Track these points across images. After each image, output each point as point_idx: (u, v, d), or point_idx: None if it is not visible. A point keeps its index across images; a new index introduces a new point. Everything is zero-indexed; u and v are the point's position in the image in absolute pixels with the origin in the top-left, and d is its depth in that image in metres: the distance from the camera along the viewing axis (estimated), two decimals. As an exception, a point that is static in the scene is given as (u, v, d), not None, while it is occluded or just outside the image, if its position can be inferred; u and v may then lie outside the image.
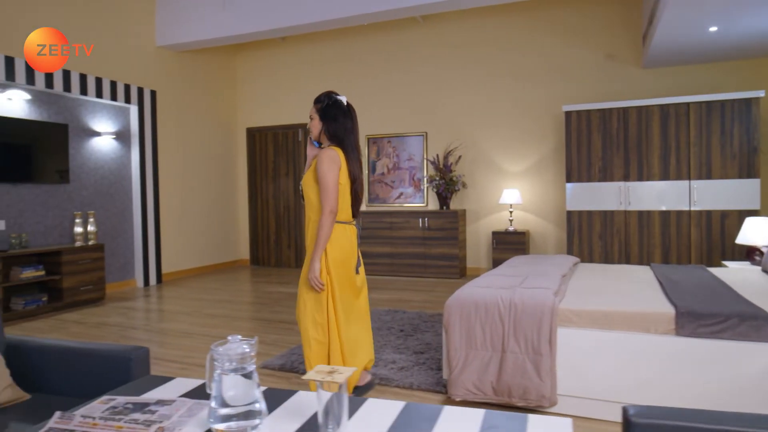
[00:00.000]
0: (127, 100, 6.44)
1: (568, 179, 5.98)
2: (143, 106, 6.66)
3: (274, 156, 8.36)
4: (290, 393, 1.42)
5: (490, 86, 7.02)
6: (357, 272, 2.55)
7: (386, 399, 1.66)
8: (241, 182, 8.58)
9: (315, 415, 1.27)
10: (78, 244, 5.62)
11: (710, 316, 2.41)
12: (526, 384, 2.59)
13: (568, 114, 5.97)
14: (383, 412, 1.29)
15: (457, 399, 2.74)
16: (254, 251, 8.50)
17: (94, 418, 1.24)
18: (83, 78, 5.87)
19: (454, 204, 7.24)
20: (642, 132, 5.66)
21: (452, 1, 5.54)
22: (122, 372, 1.79)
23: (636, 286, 3.13)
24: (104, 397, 1.38)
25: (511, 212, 6.74)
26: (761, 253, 4.16)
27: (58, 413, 1.26)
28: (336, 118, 2.47)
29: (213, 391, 1.18)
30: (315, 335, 2.42)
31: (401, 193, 7.59)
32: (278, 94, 8.27)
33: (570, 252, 5.98)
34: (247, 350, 1.19)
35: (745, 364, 2.34)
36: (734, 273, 3.59)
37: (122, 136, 6.52)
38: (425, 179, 7.37)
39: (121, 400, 1.36)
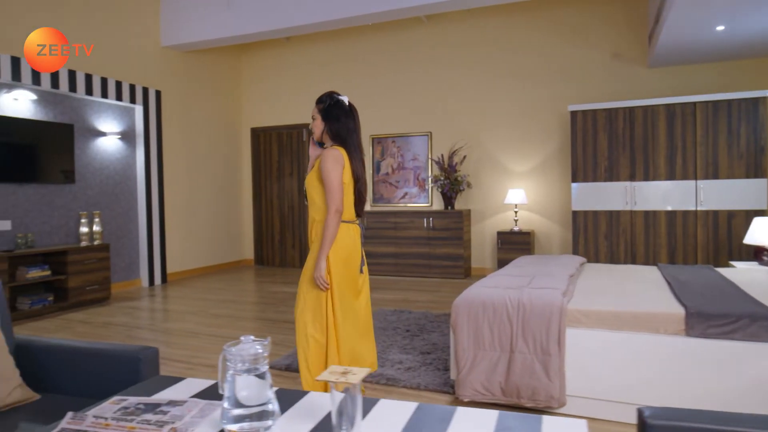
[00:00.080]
0: (132, 100, 6.45)
1: (574, 179, 5.97)
2: (148, 106, 6.67)
3: (278, 156, 8.37)
4: (302, 393, 1.41)
5: (495, 86, 7.01)
6: (361, 272, 2.53)
7: (394, 399, 1.66)
8: (246, 182, 8.58)
9: (328, 416, 1.26)
10: (83, 244, 5.63)
11: (720, 316, 2.40)
12: (535, 384, 2.58)
13: (573, 114, 5.95)
14: (396, 413, 1.28)
15: (465, 399, 2.73)
16: (258, 251, 8.50)
17: (106, 418, 1.24)
18: (89, 78, 5.88)
19: (459, 204, 7.23)
20: (648, 132, 5.64)
21: (456, 1, 5.53)
22: (132, 372, 1.78)
23: (644, 287, 3.11)
24: (115, 398, 1.38)
25: (516, 212, 6.72)
26: (769, 254, 4.14)
27: (70, 414, 1.26)
28: (338, 118, 2.46)
29: (226, 391, 1.18)
30: (313, 333, 2.41)
31: (406, 193, 7.59)
32: (283, 94, 8.27)
33: (576, 252, 5.96)
34: (260, 351, 1.18)
35: (756, 365, 2.32)
36: (742, 273, 3.57)
37: (127, 136, 6.53)
38: (430, 179, 7.36)
39: (132, 400, 1.36)
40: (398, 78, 7.54)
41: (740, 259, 5.31)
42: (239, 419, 1.16)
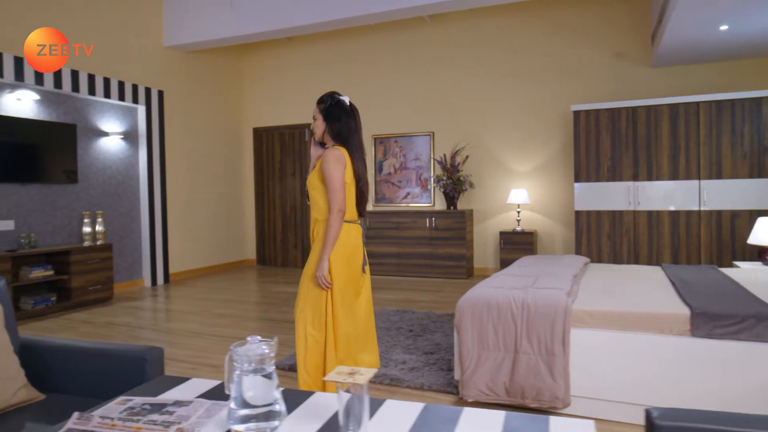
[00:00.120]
0: (135, 101, 6.45)
1: (577, 179, 5.95)
2: (151, 106, 6.67)
3: (280, 156, 8.37)
4: (308, 394, 1.41)
5: (498, 86, 7.00)
6: (363, 271, 2.53)
7: (398, 400, 1.65)
8: (248, 182, 8.58)
9: (334, 416, 1.26)
10: (86, 243, 5.63)
11: (726, 317, 2.39)
12: (540, 385, 2.58)
13: (576, 113, 5.94)
14: (402, 414, 1.28)
15: (470, 400, 2.72)
16: (261, 251, 8.50)
17: (112, 419, 1.24)
18: (91, 78, 5.88)
19: (462, 204, 7.22)
20: (651, 131, 5.63)
21: (458, 1, 5.53)
22: (137, 372, 1.78)
23: (648, 287, 3.10)
24: (121, 398, 1.38)
25: (518, 212, 6.71)
26: (773, 254, 4.13)
27: (76, 414, 1.26)
28: (339, 118, 2.46)
29: (232, 391, 1.17)
30: (312, 332, 2.41)
31: (408, 193, 7.58)
32: (285, 94, 8.27)
33: (578, 252, 5.95)
34: (267, 351, 1.18)
35: (762, 366, 2.31)
36: (747, 273, 3.56)
37: (130, 136, 6.54)
38: (432, 179, 7.36)
39: (138, 400, 1.35)
40: (400, 78, 7.53)
41: (744, 259, 5.29)
42: (246, 419, 1.15)
